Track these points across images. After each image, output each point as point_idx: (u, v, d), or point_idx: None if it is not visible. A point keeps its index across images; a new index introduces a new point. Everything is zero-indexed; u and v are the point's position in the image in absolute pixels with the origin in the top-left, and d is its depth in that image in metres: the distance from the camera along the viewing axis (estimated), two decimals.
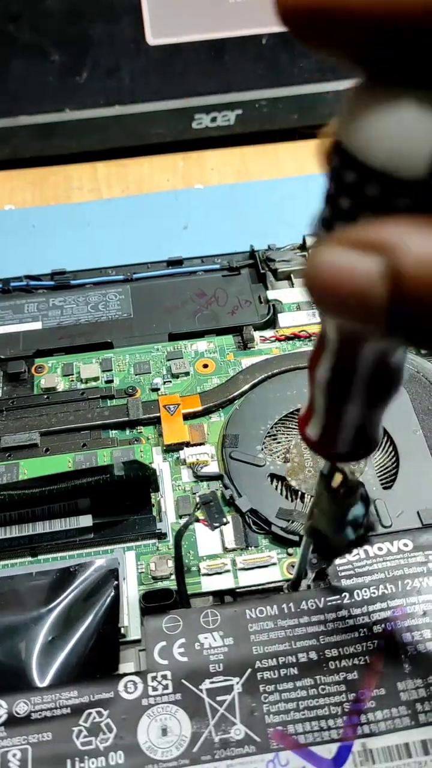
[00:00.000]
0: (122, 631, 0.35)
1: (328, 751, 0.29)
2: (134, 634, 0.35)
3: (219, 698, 0.31)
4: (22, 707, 0.31)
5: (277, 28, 0.61)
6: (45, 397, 0.45)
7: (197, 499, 0.40)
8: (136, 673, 0.32)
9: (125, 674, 0.32)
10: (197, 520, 0.39)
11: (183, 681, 0.31)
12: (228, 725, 0.30)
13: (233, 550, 0.38)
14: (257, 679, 0.31)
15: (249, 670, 0.31)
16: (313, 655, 0.32)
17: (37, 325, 0.50)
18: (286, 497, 0.40)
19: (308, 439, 0.23)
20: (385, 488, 0.39)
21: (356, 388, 0.20)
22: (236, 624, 0.33)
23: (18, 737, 0.30)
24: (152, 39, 0.61)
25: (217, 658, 0.32)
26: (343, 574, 0.34)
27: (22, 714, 0.31)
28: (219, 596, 0.37)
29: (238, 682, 0.31)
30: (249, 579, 0.37)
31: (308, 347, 0.48)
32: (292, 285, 0.53)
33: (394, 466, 0.41)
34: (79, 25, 0.61)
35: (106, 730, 0.30)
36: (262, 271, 0.52)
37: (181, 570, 0.36)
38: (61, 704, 0.31)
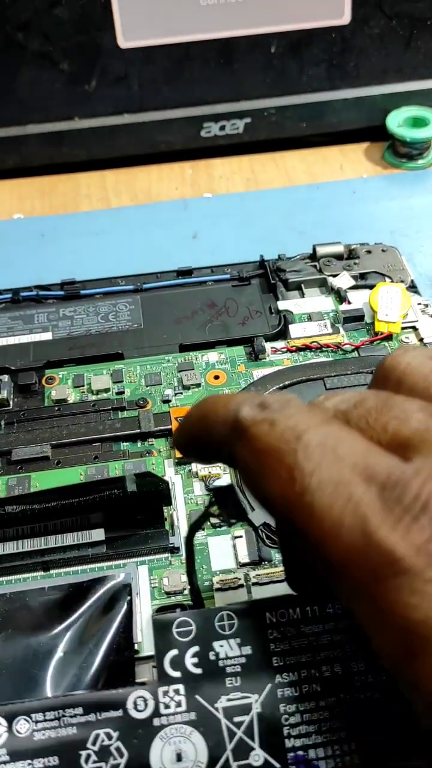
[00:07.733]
0: (136, 647, 0.35)
1: None
2: (148, 650, 0.35)
3: (236, 719, 0.30)
4: (22, 725, 0.29)
5: (249, 31, 0.61)
6: (56, 408, 0.45)
7: (211, 493, 0.38)
8: (144, 684, 0.30)
9: (133, 687, 0.30)
10: (212, 516, 0.37)
11: (197, 697, 0.30)
12: (246, 750, 0.29)
13: (247, 564, 0.38)
14: (277, 697, 0.30)
15: (269, 685, 0.30)
16: (338, 668, 0.31)
17: (47, 336, 0.50)
18: None
19: None
20: None
21: None
22: (255, 630, 0.31)
23: (21, 761, 0.29)
24: (124, 42, 0.61)
25: (234, 670, 0.31)
26: None
27: (24, 733, 0.29)
28: None
29: (257, 700, 0.30)
30: (263, 594, 0.37)
31: (319, 358, 0.47)
32: (302, 295, 0.52)
33: None
34: (88, 34, 0.61)
35: (116, 754, 0.29)
36: (272, 282, 0.52)
37: (193, 567, 0.34)
38: (66, 722, 0.29)
